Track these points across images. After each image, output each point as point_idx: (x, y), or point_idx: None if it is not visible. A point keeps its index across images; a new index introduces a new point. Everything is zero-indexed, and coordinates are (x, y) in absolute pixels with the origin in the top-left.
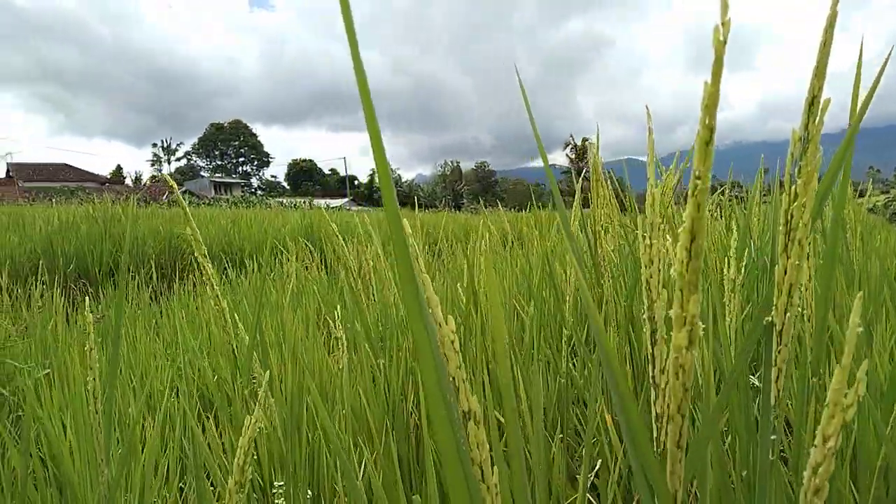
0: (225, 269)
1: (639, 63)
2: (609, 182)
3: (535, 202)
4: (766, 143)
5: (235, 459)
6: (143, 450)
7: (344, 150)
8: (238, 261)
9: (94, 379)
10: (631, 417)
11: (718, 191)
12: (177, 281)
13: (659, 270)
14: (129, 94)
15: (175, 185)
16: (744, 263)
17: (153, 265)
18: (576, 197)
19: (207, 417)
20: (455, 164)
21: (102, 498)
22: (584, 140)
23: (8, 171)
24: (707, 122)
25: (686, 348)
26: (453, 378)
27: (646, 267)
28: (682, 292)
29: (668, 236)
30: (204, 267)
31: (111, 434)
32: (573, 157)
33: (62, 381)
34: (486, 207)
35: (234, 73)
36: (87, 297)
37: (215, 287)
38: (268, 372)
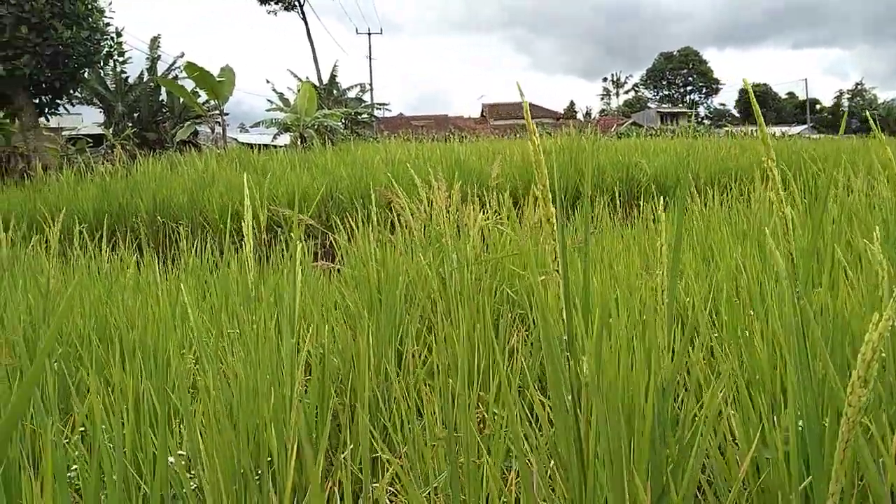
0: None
1: None
2: None
3: None
4: None
5: (860, 356)
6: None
7: (804, 71)
8: (698, 189)
9: (662, 273)
10: None
11: None
12: (635, 210)
13: None
14: (583, 30)
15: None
16: None
17: (616, 192)
18: None
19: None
20: None
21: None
22: None
23: (482, 111)
24: None
25: None
26: None
27: None
28: None
29: None
30: (775, 180)
31: (672, 320)
32: None
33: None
34: None
35: None
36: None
37: (782, 202)
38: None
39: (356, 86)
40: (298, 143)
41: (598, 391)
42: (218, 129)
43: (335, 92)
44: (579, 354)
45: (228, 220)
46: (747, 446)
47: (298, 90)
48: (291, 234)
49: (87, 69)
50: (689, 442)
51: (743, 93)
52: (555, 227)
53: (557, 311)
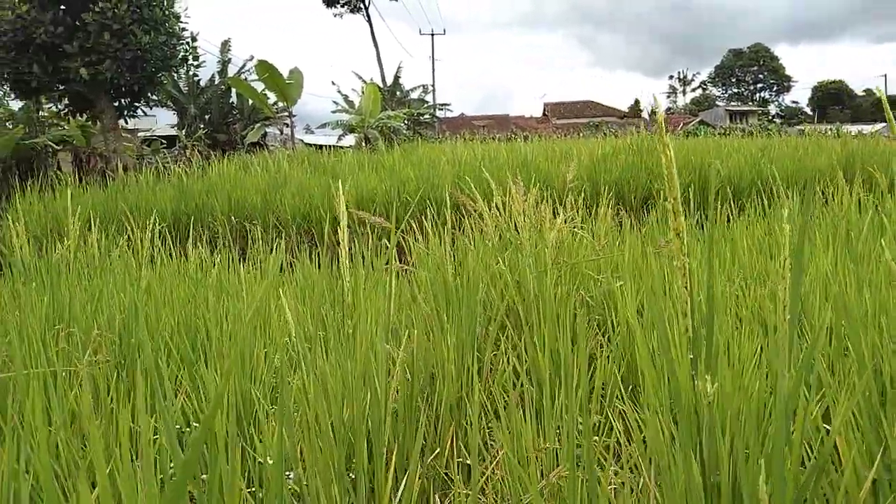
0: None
1: None
2: None
3: None
4: None
5: None
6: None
7: (885, 66)
8: (773, 191)
9: (785, 286)
10: None
11: None
12: (709, 213)
13: None
14: (648, 26)
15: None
16: None
17: (690, 194)
18: None
19: None
20: None
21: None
22: None
23: (544, 110)
24: None
25: None
26: None
27: None
28: None
29: None
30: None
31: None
32: None
33: (636, 289)
34: None
35: None
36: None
37: None
38: None
39: (419, 87)
40: (363, 144)
41: (736, 417)
42: (286, 130)
43: (398, 93)
44: (705, 373)
45: (327, 223)
46: (863, 467)
47: (363, 92)
48: (387, 241)
49: (163, 73)
50: (823, 468)
51: (816, 90)
52: (684, 242)
53: (683, 327)
